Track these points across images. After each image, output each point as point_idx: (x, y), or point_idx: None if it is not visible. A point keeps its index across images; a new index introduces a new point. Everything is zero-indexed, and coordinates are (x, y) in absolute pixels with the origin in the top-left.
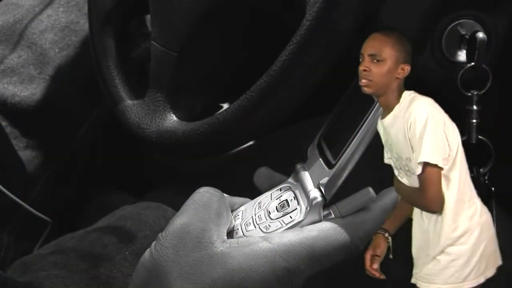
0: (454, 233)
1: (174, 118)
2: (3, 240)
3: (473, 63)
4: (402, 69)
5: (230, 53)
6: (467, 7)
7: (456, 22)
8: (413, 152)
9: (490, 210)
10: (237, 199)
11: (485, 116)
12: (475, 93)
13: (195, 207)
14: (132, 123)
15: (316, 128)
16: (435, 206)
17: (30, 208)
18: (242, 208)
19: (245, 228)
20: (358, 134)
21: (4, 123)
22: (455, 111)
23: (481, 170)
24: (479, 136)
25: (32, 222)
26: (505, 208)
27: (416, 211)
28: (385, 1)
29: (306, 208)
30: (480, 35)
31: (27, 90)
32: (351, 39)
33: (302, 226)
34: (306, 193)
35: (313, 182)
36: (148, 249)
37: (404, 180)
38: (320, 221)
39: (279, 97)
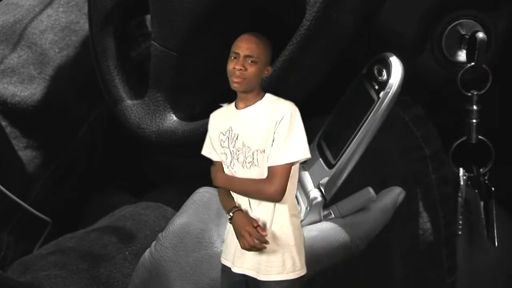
0: (294, 226)
1: (174, 118)
2: (3, 240)
3: (473, 63)
4: (267, 70)
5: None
6: (467, 7)
7: (456, 22)
8: (273, 144)
9: (490, 210)
10: None
11: (485, 116)
12: (475, 93)
13: (195, 207)
14: (132, 123)
15: (316, 128)
16: (280, 195)
17: (30, 208)
18: None
19: None
20: (358, 134)
21: (4, 123)
22: (455, 111)
23: (481, 170)
24: (479, 136)
25: (32, 222)
26: (505, 208)
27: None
28: (385, 1)
29: (306, 208)
30: (480, 35)
31: (27, 90)
32: (351, 39)
33: (302, 226)
34: (306, 193)
35: (313, 182)
36: (148, 249)
37: (234, 170)
38: (320, 221)
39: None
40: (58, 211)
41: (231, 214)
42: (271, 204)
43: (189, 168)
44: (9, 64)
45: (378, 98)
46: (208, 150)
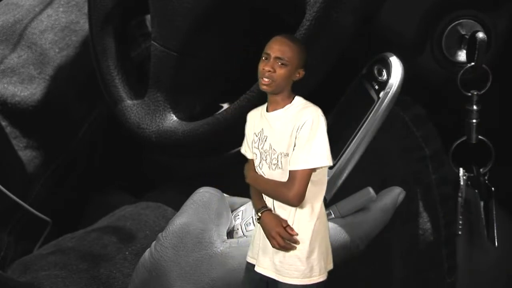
0: (313, 232)
1: (174, 118)
2: (3, 240)
3: (473, 63)
4: (299, 73)
5: (230, 53)
6: (467, 7)
7: (456, 22)
8: (294, 149)
9: (490, 210)
10: (237, 199)
11: (485, 116)
12: (475, 93)
13: (195, 207)
14: (132, 123)
15: None
16: (298, 201)
17: (30, 208)
18: (242, 208)
19: (245, 228)
20: (358, 134)
21: (4, 123)
22: (455, 111)
23: (481, 170)
24: (479, 136)
25: (32, 222)
26: (505, 208)
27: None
28: (385, 1)
29: None
30: (480, 35)
31: (27, 90)
32: (351, 39)
33: None
34: None
35: None
36: (148, 249)
37: (262, 171)
38: None
39: None
40: (58, 211)
41: (259, 214)
42: (292, 208)
43: (189, 168)
44: (9, 64)
45: (378, 98)
46: (244, 148)
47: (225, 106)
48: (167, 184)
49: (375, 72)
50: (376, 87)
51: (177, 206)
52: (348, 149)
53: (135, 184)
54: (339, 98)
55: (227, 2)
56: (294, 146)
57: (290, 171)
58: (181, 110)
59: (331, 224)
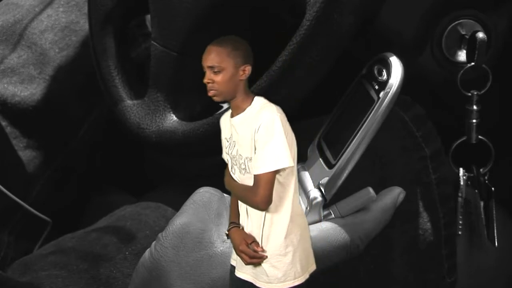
0: (285, 234)
1: (174, 118)
2: (3, 240)
3: (473, 63)
4: (243, 70)
5: None
6: (467, 7)
7: (456, 22)
8: (255, 153)
9: (490, 210)
10: None
11: (485, 116)
12: (475, 93)
13: (195, 207)
14: (132, 123)
15: (316, 128)
16: (264, 204)
17: (30, 208)
18: None
19: None
20: (358, 134)
21: (4, 123)
22: (455, 111)
23: (481, 170)
24: (479, 136)
25: (32, 222)
26: (505, 208)
27: (242, 216)
28: (385, 1)
29: (306, 208)
30: (480, 35)
31: (27, 90)
32: (351, 39)
33: None
34: (306, 193)
35: (313, 182)
36: (148, 249)
37: (236, 176)
38: (320, 221)
39: (279, 97)
40: (58, 211)
41: (226, 231)
42: (262, 212)
43: (189, 168)
44: (9, 64)
45: (378, 98)
46: (223, 153)
47: (225, 106)
48: (167, 184)
49: (375, 72)
50: (376, 87)
51: (177, 206)
52: (348, 149)
53: (135, 184)
54: (339, 98)
55: (227, 2)
56: (255, 149)
57: (254, 176)
58: (181, 110)
59: (331, 224)
